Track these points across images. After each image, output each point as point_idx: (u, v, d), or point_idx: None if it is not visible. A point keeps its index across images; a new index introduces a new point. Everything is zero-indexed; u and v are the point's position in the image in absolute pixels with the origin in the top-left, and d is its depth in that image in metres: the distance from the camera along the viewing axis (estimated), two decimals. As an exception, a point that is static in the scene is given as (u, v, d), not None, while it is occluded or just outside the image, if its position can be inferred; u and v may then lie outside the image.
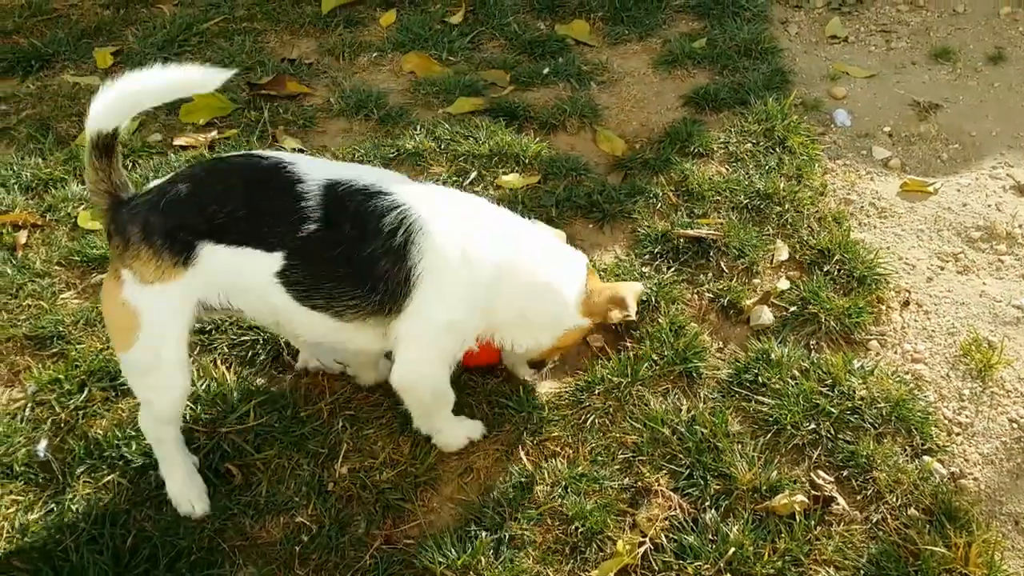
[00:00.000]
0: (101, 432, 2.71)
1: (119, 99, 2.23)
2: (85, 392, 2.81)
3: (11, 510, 2.52)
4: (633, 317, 2.57)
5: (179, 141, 3.83)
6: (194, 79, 2.35)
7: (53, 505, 2.53)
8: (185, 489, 2.51)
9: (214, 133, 3.89)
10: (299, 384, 2.89)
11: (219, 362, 2.90)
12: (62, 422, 2.75)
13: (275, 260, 2.27)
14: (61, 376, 2.85)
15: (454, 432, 2.70)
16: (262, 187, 2.29)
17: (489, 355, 2.78)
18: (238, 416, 2.74)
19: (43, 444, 2.69)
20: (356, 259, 2.29)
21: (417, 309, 2.35)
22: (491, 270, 2.42)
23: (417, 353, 2.45)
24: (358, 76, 4.33)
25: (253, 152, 2.38)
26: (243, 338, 2.99)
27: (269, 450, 2.67)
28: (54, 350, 2.96)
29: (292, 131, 3.94)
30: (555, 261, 2.58)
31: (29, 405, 2.80)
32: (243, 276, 2.30)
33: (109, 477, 2.60)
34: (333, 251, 2.29)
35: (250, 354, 2.95)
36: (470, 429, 2.73)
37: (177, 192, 2.26)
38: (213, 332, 3.02)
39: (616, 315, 2.56)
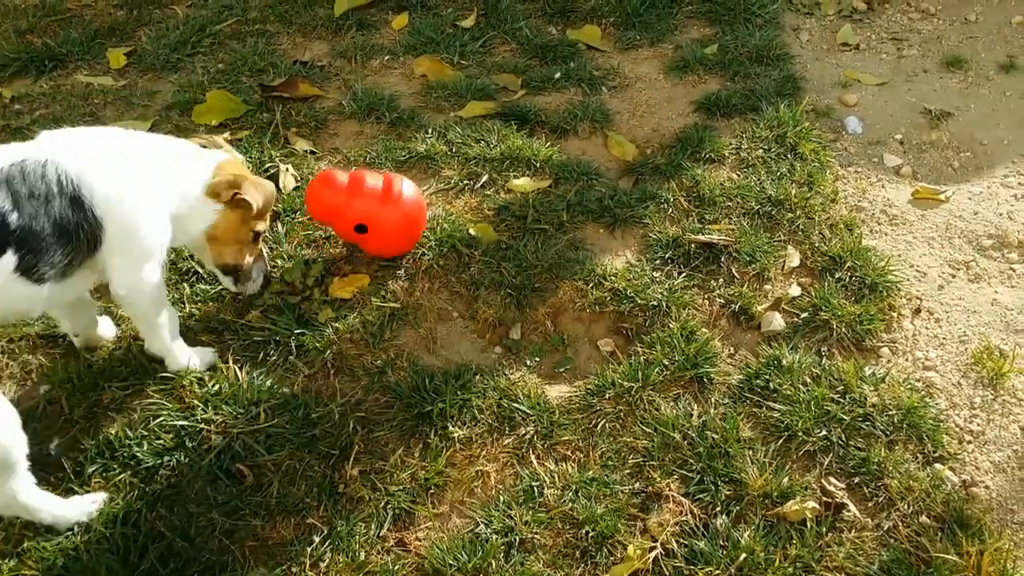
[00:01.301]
0: (113, 432, 2.71)
1: None
2: (97, 391, 2.82)
3: (23, 508, 2.52)
4: (251, 204, 2.76)
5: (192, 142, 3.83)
6: None
7: (65, 504, 2.53)
8: (71, 507, 2.50)
9: (226, 134, 3.89)
10: (310, 386, 2.89)
11: (230, 362, 2.90)
12: (74, 421, 2.76)
13: (9, 260, 2.38)
14: (73, 375, 2.86)
15: (184, 354, 2.87)
16: None
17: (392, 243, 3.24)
18: (249, 417, 2.75)
19: (55, 443, 2.70)
20: (55, 222, 2.44)
21: (112, 237, 2.55)
22: (148, 178, 2.64)
23: (127, 266, 2.64)
24: (370, 79, 4.34)
25: None
26: (254, 339, 3.00)
27: (280, 451, 2.68)
28: (66, 349, 2.97)
29: (304, 133, 3.95)
30: (180, 161, 2.78)
31: (41, 404, 2.80)
32: None
33: (120, 476, 2.60)
34: (40, 225, 2.41)
35: (261, 355, 2.96)
36: (200, 355, 2.91)
37: None
38: (224, 333, 3.02)
39: (226, 195, 2.76)
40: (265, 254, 3.11)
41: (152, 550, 2.42)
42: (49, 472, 2.59)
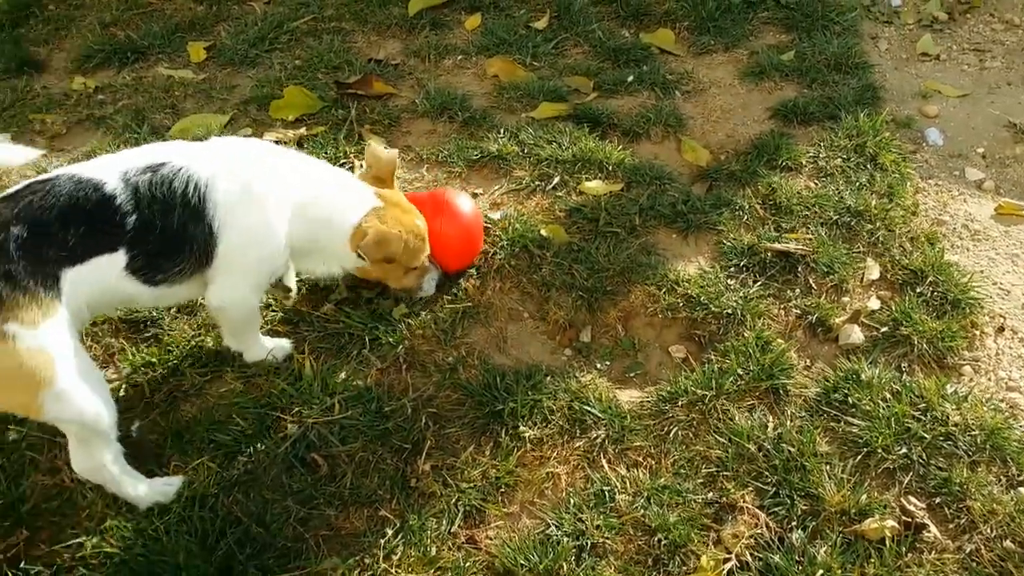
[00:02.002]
0: (191, 415, 2.76)
1: None
2: (177, 376, 2.88)
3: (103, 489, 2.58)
4: (365, 258, 2.77)
5: (269, 136, 3.89)
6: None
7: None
8: (152, 487, 2.55)
9: (303, 130, 3.95)
10: (382, 379, 2.91)
11: (306, 352, 2.93)
12: (154, 404, 2.82)
13: (120, 257, 2.44)
14: (154, 359, 2.93)
15: (263, 349, 2.91)
16: (81, 200, 2.38)
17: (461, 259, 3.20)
18: (324, 408, 2.78)
19: (136, 425, 2.76)
20: (171, 232, 2.50)
21: (225, 253, 2.58)
22: (277, 208, 2.65)
23: (231, 284, 2.67)
24: (443, 78, 4.37)
25: (34, 179, 2.45)
26: (329, 331, 3.03)
27: (354, 442, 2.70)
28: (148, 334, 3.04)
29: (377, 131, 3.98)
30: (324, 208, 2.77)
31: (123, 386, 2.87)
32: (103, 283, 2.44)
33: (199, 460, 2.65)
34: (154, 231, 2.47)
35: (335, 347, 2.99)
36: (278, 347, 2.94)
37: (18, 236, 2.27)
38: (300, 324, 3.06)
39: (365, 253, 2.76)
40: (432, 266, 3.08)
41: (230, 534, 2.45)
42: (130, 453, 2.64)
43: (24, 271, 2.24)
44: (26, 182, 2.44)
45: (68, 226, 2.34)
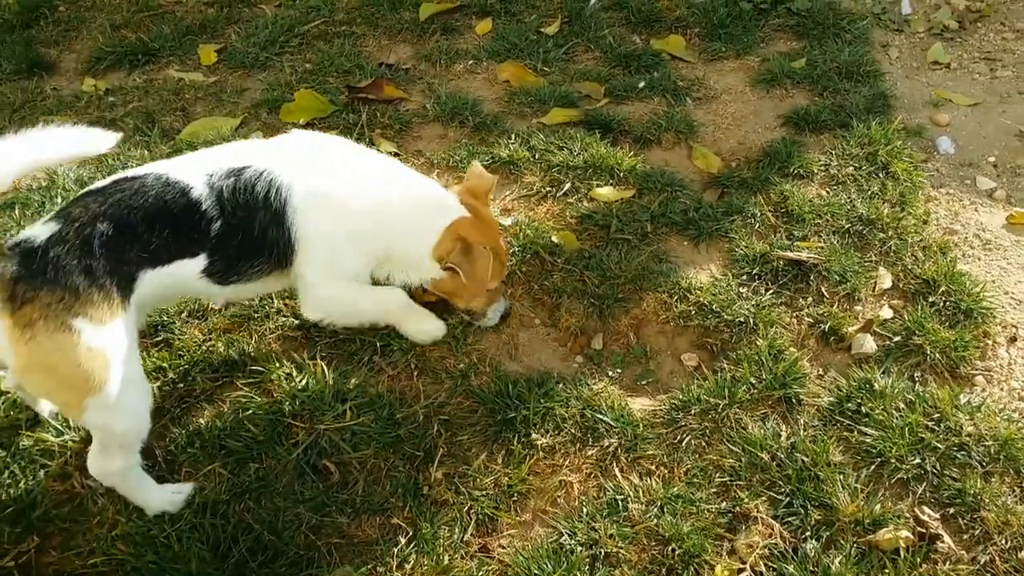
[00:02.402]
0: (203, 422, 2.76)
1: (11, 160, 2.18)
2: (188, 381, 2.87)
3: (116, 495, 2.56)
4: (458, 270, 2.72)
5: (280, 140, 3.89)
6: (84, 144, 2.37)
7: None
8: (162, 494, 2.53)
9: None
10: (394, 386, 2.90)
11: (318, 358, 2.93)
12: (165, 410, 2.81)
13: (200, 262, 2.46)
14: (165, 364, 2.92)
15: (422, 323, 2.93)
16: (169, 203, 2.40)
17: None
18: (336, 414, 2.77)
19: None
20: (252, 235, 2.51)
21: (306, 258, 2.61)
22: (358, 211, 2.64)
23: (315, 289, 2.70)
24: (453, 83, 4.37)
25: (124, 175, 2.47)
26: (340, 336, 3.02)
27: (365, 449, 2.69)
28: (158, 339, 3.03)
29: (388, 135, 3.98)
30: (408, 215, 2.74)
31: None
32: (175, 284, 2.47)
33: (210, 466, 2.64)
34: (237, 236, 2.49)
35: (347, 353, 2.98)
36: (433, 325, 2.95)
37: (103, 232, 2.28)
38: (312, 330, 3.05)
39: (448, 261, 2.74)
40: (504, 294, 3.06)
41: (242, 541, 2.44)
42: (141, 459, 2.64)
43: (104, 269, 2.25)
44: (115, 177, 2.46)
45: (153, 228, 2.36)
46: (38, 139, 2.19)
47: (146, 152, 3.87)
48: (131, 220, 2.33)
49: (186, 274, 2.46)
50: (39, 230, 2.28)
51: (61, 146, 2.27)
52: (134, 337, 2.36)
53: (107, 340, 2.22)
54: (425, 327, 2.95)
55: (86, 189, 2.47)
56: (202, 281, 2.50)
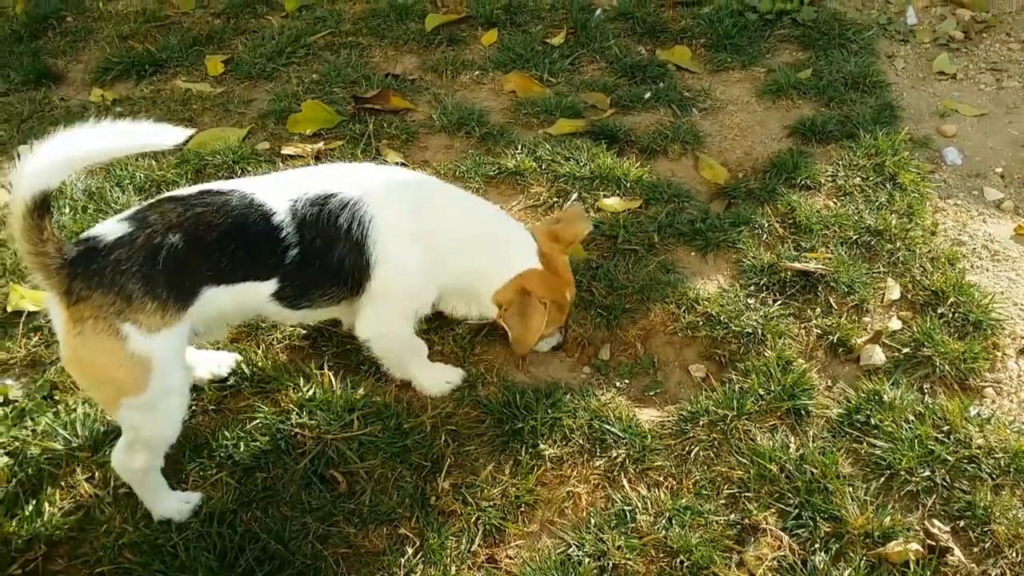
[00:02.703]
0: (210, 431, 2.75)
1: (69, 153, 2.15)
2: (196, 391, 2.86)
3: (123, 503, 2.57)
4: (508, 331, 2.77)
5: (287, 150, 3.91)
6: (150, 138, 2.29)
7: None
8: (175, 502, 2.54)
9: (320, 144, 3.96)
10: (401, 396, 2.90)
11: (325, 368, 2.92)
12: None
13: (270, 286, 2.45)
14: (172, 373, 2.91)
15: (431, 383, 2.90)
16: (249, 226, 2.39)
17: None
18: (343, 424, 2.77)
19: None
20: (329, 265, 2.51)
21: (376, 290, 2.60)
22: (436, 248, 2.65)
23: (378, 316, 2.69)
24: (460, 93, 4.38)
25: (209, 188, 2.45)
26: (347, 347, 3.02)
27: (373, 459, 2.69)
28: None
29: (395, 145, 3.99)
30: (480, 255, 2.76)
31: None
32: (240, 305, 2.47)
33: (217, 476, 2.64)
34: (313, 265, 2.48)
35: (354, 363, 2.98)
36: (448, 374, 2.93)
37: (173, 244, 2.28)
38: (319, 339, 3.05)
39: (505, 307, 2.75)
40: (559, 331, 3.05)
41: (248, 551, 2.43)
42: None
43: (164, 280, 2.25)
44: (201, 187, 2.46)
45: (226, 247, 2.35)
46: (114, 130, 2.18)
47: (154, 163, 3.88)
48: (206, 236, 2.32)
49: (253, 296, 2.45)
50: (110, 228, 2.30)
51: (135, 137, 2.24)
52: (183, 348, 2.37)
53: (153, 348, 2.25)
54: (440, 377, 2.95)
55: (168, 194, 2.46)
56: (271, 304, 2.49)
